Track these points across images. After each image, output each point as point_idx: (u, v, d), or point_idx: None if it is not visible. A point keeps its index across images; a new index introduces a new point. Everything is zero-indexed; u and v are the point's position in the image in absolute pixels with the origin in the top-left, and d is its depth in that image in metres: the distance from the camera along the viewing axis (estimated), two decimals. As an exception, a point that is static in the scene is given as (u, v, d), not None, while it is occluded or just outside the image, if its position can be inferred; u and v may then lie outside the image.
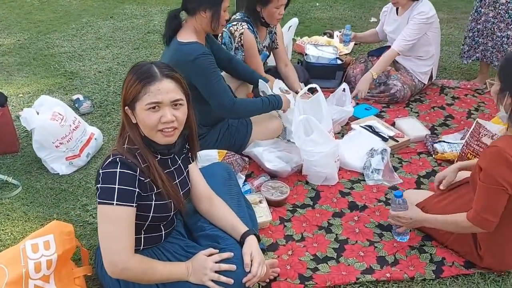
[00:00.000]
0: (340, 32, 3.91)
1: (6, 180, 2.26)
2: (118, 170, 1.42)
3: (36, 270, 1.56)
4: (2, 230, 2.03)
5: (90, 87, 3.30)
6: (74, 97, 3.08)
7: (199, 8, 2.13)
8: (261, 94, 2.49)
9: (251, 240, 1.61)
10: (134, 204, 1.44)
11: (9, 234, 2.01)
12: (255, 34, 2.66)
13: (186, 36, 2.15)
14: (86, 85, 3.33)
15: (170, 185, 1.53)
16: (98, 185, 1.43)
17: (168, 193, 1.52)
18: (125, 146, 1.49)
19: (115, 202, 1.40)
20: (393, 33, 3.09)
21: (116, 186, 1.40)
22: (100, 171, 1.44)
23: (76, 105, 2.98)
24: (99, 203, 1.42)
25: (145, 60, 1.51)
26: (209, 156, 2.23)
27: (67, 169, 2.38)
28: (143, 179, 1.47)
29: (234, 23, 2.63)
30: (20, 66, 3.64)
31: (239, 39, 2.60)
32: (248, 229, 1.65)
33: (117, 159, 1.43)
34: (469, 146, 2.32)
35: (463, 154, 2.36)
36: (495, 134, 2.22)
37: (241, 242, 1.62)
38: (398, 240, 2.01)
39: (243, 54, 2.63)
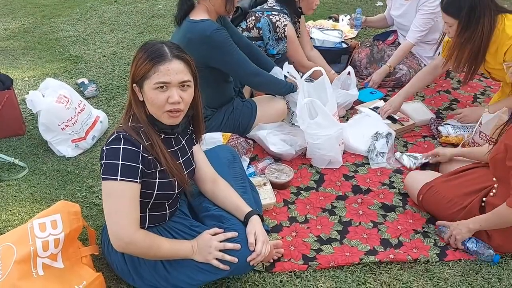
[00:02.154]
0: (349, 16, 3.89)
1: (13, 162, 2.29)
2: (121, 146, 1.44)
3: (44, 248, 1.58)
4: (10, 211, 2.05)
5: (95, 71, 3.31)
6: (79, 81, 3.09)
7: None
8: None
9: (255, 220, 1.62)
10: (138, 181, 1.46)
11: (17, 214, 2.03)
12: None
13: (198, 15, 2.14)
14: (91, 69, 3.33)
15: (173, 163, 1.54)
16: (102, 161, 1.46)
17: (171, 171, 1.53)
18: (130, 123, 1.50)
19: (119, 178, 1.42)
20: (401, 17, 3.05)
21: (120, 162, 1.42)
22: (104, 148, 1.47)
23: (81, 89, 2.99)
24: (104, 179, 1.44)
25: (155, 40, 1.51)
26: (213, 138, 2.24)
27: (73, 151, 2.40)
28: (147, 155, 1.49)
29: (276, 13, 2.65)
30: (25, 50, 3.64)
31: (283, 31, 2.64)
32: (251, 209, 1.66)
33: (121, 135, 1.45)
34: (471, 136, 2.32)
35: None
36: (491, 137, 2.20)
37: (244, 222, 1.64)
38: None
39: (285, 45, 2.68)
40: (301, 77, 2.44)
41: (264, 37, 2.67)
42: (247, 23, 2.68)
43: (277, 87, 2.36)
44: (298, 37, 2.87)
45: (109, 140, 1.48)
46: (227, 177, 1.80)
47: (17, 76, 3.21)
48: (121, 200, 1.44)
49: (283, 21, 2.64)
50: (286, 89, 2.37)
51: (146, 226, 1.60)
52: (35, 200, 2.12)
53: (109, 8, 4.57)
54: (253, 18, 2.67)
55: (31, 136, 2.57)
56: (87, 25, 4.15)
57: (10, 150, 2.44)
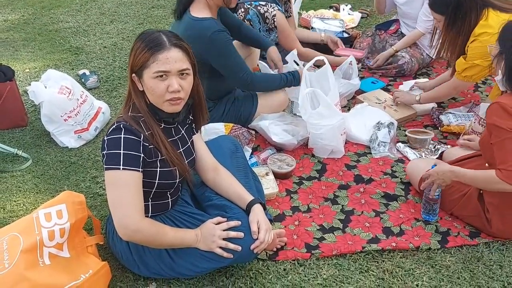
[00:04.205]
0: (349, 6, 3.88)
1: (16, 153, 2.30)
2: (122, 136, 1.45)
3: (50, 238, 1.59)
4: (14, 201, 2.07)
5: (96, 62, 3.30)
6: (80, 72, 3.09)
7: None
8: (269, 62, 2.52)
9: (257, 209, 1.64)
10: (140, 169, 1.47)
11: (21, 205, 2.05)
12: (282, 12, 2.70)
13: (199, 11, 2.14)
14: (92, 60, 3.32)
15: (173, 153, 1.56)
16: (104, 152, 1.47)
17: (172, 160, 1.55)
18: (130, 114, 1.51)
19: (121, 167, 1.44)
20: (405, 5, 3.04)
21: (122, 151, 1.44)
22: (105, 138, 1.48)
23: (83, 80, 2.99)
24: (106, 169, 1.46)
25: (152, 29, 1.52)
26: (215, 129, 2.25)
27: (76, 142, 2.41)
28: (147, 145, 1.50)
29: (263, 3, 2.64)
30: (25, 41, 3.63)
31: (272, 21, 2.63)
32: (254, 198, 1.68)
33: (121, 125, 1.46)
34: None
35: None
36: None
37: (247, 211, 1.65)
38: (426, 219, 1.97)
39: (277, 35, 2.67)
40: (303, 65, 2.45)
41: (255, 28, 2.67)
42: (237, 15, 2.67)
43: (273, 84, 2.35)
44: (289, 17, 2.87)
45: (110, 130, 1.49)
46: (230, 167, 1.81)
47: (18, 67, 3.21)
48: (125, 189, 1.45)
49: (271, 11, 2.64)
50: (282, 83, 2.37)
51: (150, 214, 1.61)
52: (39, 191, 2.13)
53: (108, -1, 4.56)
54: (242, 10, 2.67)
55: (34, 127, 2.58)
56: (87, 16, 4.14)
57: (13, 142, 2.45)
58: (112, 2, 4.46)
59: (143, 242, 1.54)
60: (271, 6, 2.65)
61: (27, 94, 2.82)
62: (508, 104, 1.65)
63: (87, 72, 3.05)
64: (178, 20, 2.21)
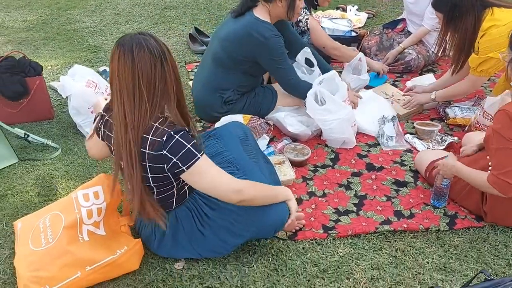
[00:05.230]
0: (356, 6, 4.02)
1: (46, 143, 2.42)
2: (176, 137, 1.50)
3: (88, 216, 1.72)
4: (48, 187, 2.20)
5: (114, 59, 3.43)
6: (101, 69, 3.22)
7: None
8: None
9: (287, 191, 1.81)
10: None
11: (54, 190, 2.18)
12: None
13: (262, 14, 2.36)
14: (110, 58, 3.46)
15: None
16: (175, 159, 1.50)
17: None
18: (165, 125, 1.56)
19: (199, 154, 1.53)
20: (414, 4, 3.17)
21: (188, 145, 1.51)
22: (164, 152, 1.49)
23: (104, 76, 3.11)
24: (189, 167, 1.52)
25: (156, 35, 1.55)
26: (234, 120, 2.37)
27: (101, 133, 2.53)
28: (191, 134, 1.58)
29: None
30: (45, 40, 3.77)
31: (305, 24, 2.81)
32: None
33: (166, 134, 1.49)
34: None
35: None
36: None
37: None
38: (435, 205, 2.11)
39: (309, 37, 2.85)
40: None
41: None
42: None
43: (300, 95, 2.49)
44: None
45: (164, 143, 1.49)
46: (240, 152, 1.91)
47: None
48: (212, 167, 1.57)
49: (304, 15, 2.80)
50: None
51: (174, 207, 1.72)
52: (70, 177, 2.26)
53: (122, 1, 4.70)
54: None
55: (60, 120, 2.71)
56: (102, 17, 4.28)
57: (41, 133, 2.58)
58: (126, 3, 4.60)
59: (251, 198, 1.63)
60: (303, 11, 2.81)
61: (51, 89, 2.98)
62: None
63: (107, 69, 3.18)
64: (235, 18, 2.40)
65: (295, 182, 2.24)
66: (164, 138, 1.49)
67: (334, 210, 2.09)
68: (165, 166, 1.54)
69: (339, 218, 2.04)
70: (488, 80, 3.13)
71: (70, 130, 2.61)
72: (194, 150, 1.52)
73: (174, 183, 1.65)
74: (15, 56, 2.65)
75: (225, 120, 2.36)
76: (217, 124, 2.35)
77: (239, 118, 2.39)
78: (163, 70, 1.48)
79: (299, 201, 2.14)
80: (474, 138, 2.23)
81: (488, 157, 1.92)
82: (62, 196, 2.10)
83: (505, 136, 1.73)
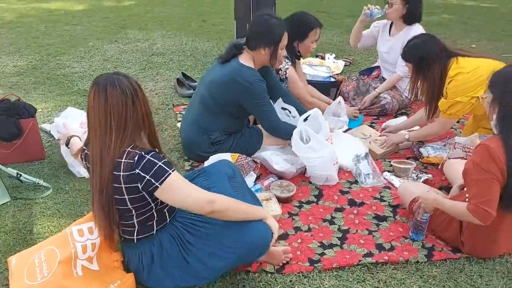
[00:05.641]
0: (334, 55, 4.31)
1: (38, 183, 2.48)
2: (147, 156, 1.62)
3: (83, 251, 1.77)
4: (40, 224, 2.24)
5: (104, 103, 3.55)
6: (91, 111, 3.32)
7: (259, 46, 2.51)
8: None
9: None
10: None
11: (46, 228, 2.22)
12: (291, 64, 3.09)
13: (246, 60, 2.55)
14: (100, 101, 3.57)
15: None
16: (148, 176, 1.60)
17: None
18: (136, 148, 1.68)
19: (170, 171, 1.63)
20: (387, 53, 3.45)
21: (159, 163, 1.62)
22: (137, 171, 1.60)
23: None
24: (161, 182, 1.61)
25: (129, 75, 1.71)
26: (222, 158, 2.49)
27: (92, 173, 2.61)
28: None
29: None
30: (35, 85, 3.88)
31: (284, 73, 3.01)
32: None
33: (137, 155, 1.61)
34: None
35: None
36: (466, 145, 2.59)
37: None
38: (413, 238, 2.21)
39: (287, 85, 3.04)
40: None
41: None
42: None
43: (286, 137, 2.63)
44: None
45: (136, 163, 1.60)
46: (227, 188, 2.00)
47: (30, 107, 3.42)
48: (184, 182, 1.68)
49: (285, 65, 3.02)
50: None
51: (155, 231, 1.79)
52: (61, 216, 2.31)
53: (110, 47, 4.89)
54: None
55: (51, 160, 2.78)
56: (91, 62, 4.44)
57: (33, 173, 2.64)
58: (114, 50, 4.79)
59: (225, 210, 1.71)
60: (284, 60, 3.02)
61: (42, 131, 3.06)
62: (493, 147, 1.86)
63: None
64: (222, 64, 2.58)
65: (282, 217, 2.34)
66: (136, 158, 1.61)
67: (319, 244, 2.18)
68: (139, 185, 1.63)
69: (324, 251, 2.14)
70: (458, 122, 3.37)
71: (61, 170, 2.67)
72: (165, 167, 1.62)
73: (152, 204, 1.73)
74: (10, 99, 2.75)
75: (213, 158, 2.48)
76: (206, 163, 2.46)
77: (227, 156, 2.51)
78: (134, 106, 1.62)
79: (285, 236, 2.23)
80: (457, 169, 2.34)
81: (465, 189, 2.05)
82: (53, 234, 2.14)
83: (485, 168, 1.85)
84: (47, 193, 2.46)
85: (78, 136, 2.17)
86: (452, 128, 3.27)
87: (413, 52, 2.62)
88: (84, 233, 1.82)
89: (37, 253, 1.80)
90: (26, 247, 1.99)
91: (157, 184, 1.62)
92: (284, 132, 2.60)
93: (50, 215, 2.31)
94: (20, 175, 2.45)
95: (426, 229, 2.20)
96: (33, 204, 2.38)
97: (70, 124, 2.39)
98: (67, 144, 2.16)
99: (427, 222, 2.18)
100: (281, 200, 2.42)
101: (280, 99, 2.85)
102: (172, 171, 1.64)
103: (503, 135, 1.88)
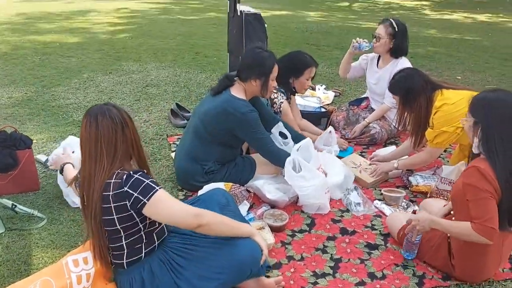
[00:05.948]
0: (324, 86, 4.43)
1: (32, 214, 2.49)
2: (135, 175, 1.71)
3: (78, 282, 1.79)
4: (34, 255, 2.24)
5: (99, 133, 3.60)
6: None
7: (250, 78, 2.60)
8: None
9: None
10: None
11: (40, 259, 2.22)
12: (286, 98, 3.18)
13: (238, 92, 2.62)
14: (95, 132, 3.62)
15: None
16: (135, 193, 1.68)
17: None
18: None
19: (157, 187, 1.71)
20: (376, 85, 3.56)
21: (147, 181, 1.71)
22: (125, 188, 1.68)
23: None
24: (149, 198, 1.69)
25: (119, 105, 1.81)
26: (216, 187, 2.53)
27: (86, 203, 2.63)
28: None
29: (275, 91, 3.10)
30: (30, 116, 3.92)
31: (279, 106, 3.11)
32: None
33: (125, 174, 1.71)
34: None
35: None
36: (452, 180, 2.65)
37: None
38: (405, 257, 2.27)
39: (280, 118, 3.10)
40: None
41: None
42: None
43: (280, 163, 2.67)
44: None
45: (124, 181, 1.69)
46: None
47: (25, 138, 3.46)
48: (170, 197, 1.75)
49: (280, 99, 3.12)
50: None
51: (143, 254, 1.82)
52: (56, 247, 2.31)
53: (105, 79, 4.98)
54: None
55: (46, 191, 2.80)
56: (86, 94, 4.51)
57: (27, 204, 2.65)
58: (108, 82, 4.88)
59: (211, 223, 1.77)
60: (280, 95, 3.13)
61: (37, 162, 3.08)
62: (483, 168, 1.92)
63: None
64: (213, 96, 2.65)
65: (275, 247, 2.37)
66: (124, 177, 1.69)
67: (312, 273, 2.21)
68: (127, 202, 1.69)
69: (317, 280, 2.16)
70: (445, 151, 3.46)
71: (55, 201, 2.69)
72: (152, 184, 1.71)
73: (140, 225, 1.78)
74: (7, 130, 2.79)
75: (207, 188, 2.52)
76: (200, 192, 2.50)
77: (221, 185, 2.55)
78: (123, 134, 1.73)
79: (278, 265, 2.25)
80: (433, 205, 2.45)
81: (452, 212, 2.09)
82: (48, 265, 2.15)
83: (480, 187, 1.90)
84: (42, 224, 2.47)
85: (71, 163, 2.24)
86: (439, 157, 3.37)
87: (399, 85, 2.74)
88: (79, 263, 1.84)
89: (32, 284, 1.80)
90: (20, 279, 1.99)
91: (144, 200, 1.69)
92: (284, 158, 2.63)
93: (44, 246, 2.32)
94: (15, 205, 2.47)
95: (417, 249, 2.25)
96: (28, 235, 2.39)
97: (69, 149, 2.45)
98: (61, 171, 2.24)
99: (419, 243, 2.22)
100: (274, 229, 2.45)
101: (280, 123, 2.92)
102: (159, 188, 1.72)
103: (490, 155, 1.94)
